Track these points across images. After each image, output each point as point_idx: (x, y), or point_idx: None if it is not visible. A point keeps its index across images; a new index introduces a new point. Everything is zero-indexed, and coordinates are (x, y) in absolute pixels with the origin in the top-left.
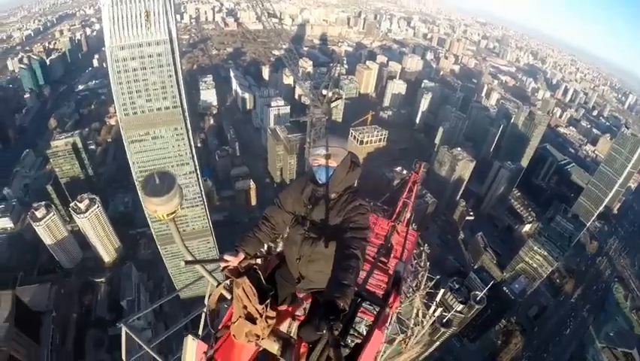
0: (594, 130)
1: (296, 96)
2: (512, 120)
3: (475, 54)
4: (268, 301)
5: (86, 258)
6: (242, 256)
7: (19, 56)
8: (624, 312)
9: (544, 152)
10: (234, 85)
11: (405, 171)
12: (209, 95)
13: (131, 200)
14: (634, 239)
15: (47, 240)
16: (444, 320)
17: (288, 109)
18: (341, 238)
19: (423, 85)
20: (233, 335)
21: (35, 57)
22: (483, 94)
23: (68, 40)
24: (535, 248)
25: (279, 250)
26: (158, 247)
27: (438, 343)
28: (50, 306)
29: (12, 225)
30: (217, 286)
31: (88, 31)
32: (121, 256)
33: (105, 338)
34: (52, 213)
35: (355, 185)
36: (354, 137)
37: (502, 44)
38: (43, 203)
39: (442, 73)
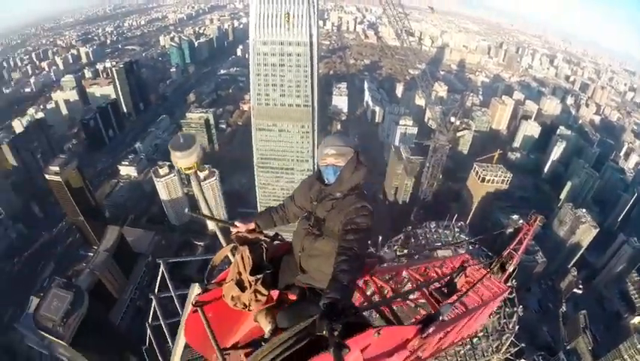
0: None
1: (425, 119)
2: None
3: (619, 106)
4: (260, 276)
5: (192, 221)
6: (252, 225)
7: (172, 34)
8: None
9: None
10: (367, 96)
11: (521, 221)
12: (340, 101)
13: (247, 181)
14: None
15: (163, 195)
16: None
17: (415, 130)
18: (342, 239)
19: (558, 131)
20: (223, 295)
21: (185, 38)
22: (622, 153)
23: (217, 28)
24: (639, 347)
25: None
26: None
27: None
28: (149, 251)
29: (136, 174)
30: (225, 247)
31: (235, 23)
32: (225, 229)
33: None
34: (173, 174)
35: (361, 184)
36: (477, 172)
37: None
38: (167, 163)
39: (580, 122)
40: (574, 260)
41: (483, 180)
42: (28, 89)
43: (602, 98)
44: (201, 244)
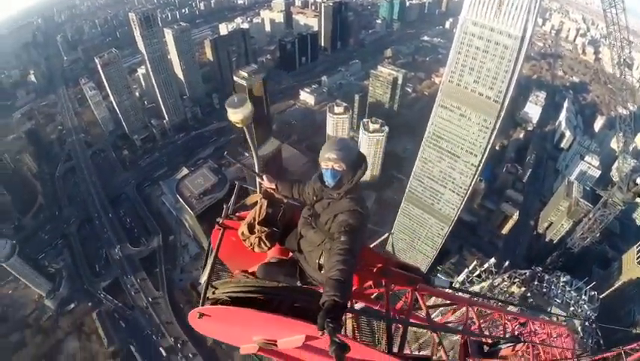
0: None
1: (613, 167)
2: None
3: None
4: (266, 230)
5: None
6: (273, 185)
7: None
8: None
9: None
10: (562, 116)
11: None
12: (533, 109)
13: (411, 149)
14: None
15: (330, 130)
16: None
17: (597, 173)
18: (337, 239)
19: None
20: (239, 228)
21: None
22: None
23: None
24: None
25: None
26: (404, 199)
27: None
28: (297, 172)
29: (313, 103)
30: (257, 194)
31: None
32: (371, 182)
33: None
34: (346, 115)
35: (359, 187)
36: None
37: None
38: (344, 104)
39: None
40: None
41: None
42: (240, 1)
43: None
44: None
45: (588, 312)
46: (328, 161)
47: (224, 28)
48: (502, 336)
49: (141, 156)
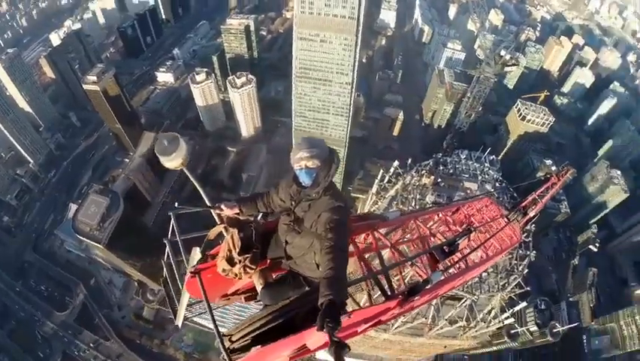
0: None
1: (475, 46)
2: None
3: None
4: (248, 255)
5: (226, 127)
6: (236, 210)
7: None
8: None
9: None
10: (417, 14)
11: (553, 168)
12: (388, 15)
13: (283, 89)
14: None
15: (199, 101)
16: (511, 331)
17: (462, 56)
18: (325, 238)
19: (611, 86)
20: (216, 264)
21: None
22: None
23: None
24: (637, 317)
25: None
26: (293, 139)
27: (494, 348)
28: None
29: (173, 81)
30: (218, 225)
31: None
32: (257, 134)
33: (216, 200)
34: (210, 80)
35: (334, 182)
36: (519, 110)
37: None
38: (204, 70)
39: (637, 82)
40: (596, 218)
41: (523, 118)
42: (64, 1)
43: None
44: (234, 150)
45: (494, 175)
46: (301, 160)
47: (55, 38)
48: (457, 234)
49: (23, 213)
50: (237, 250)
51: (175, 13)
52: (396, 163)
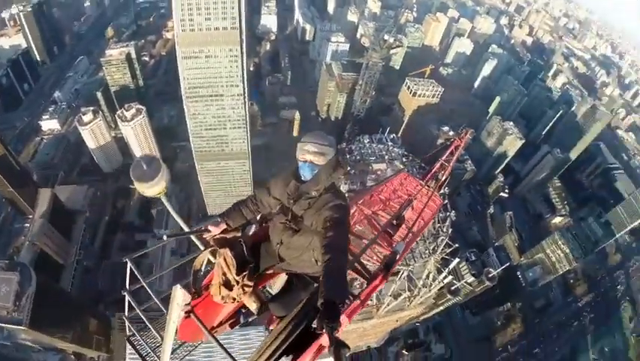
0: None
1: (357, 35)
2: (573, 109)
3: (551, 30)
4: (246, 273)
5: (125, 164)
6: (224, 226)
7: None
8: (624, 333)
9: (595, 150)
10: (297, 13)
11: (451, 133)
12: (269, 20)
13: (176, 114)
14: None
15: (91, 143)
16: (452, 288)
17: (347, 47)
18: (325, 236)
19: (490, 49)
20: (211, 294)
21: None
22: (550, 74)
23: None
24: (559, 243)
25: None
26: (195, 162)
27: (441, 308)
28: (85, 207)
29: (59, 127)
30: (204, 250)
31: None
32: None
33: (131, 243)
34: (98, 119)
35: (338, 185)
36: (408, 87)
37: (582, 27)
38: (91, 108)
39: (512, 42)
40: (500, 168)
41: (414, 94)
42: None
43: (536, 21)
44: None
45: (399, 152)
46: (307, 154)
47: None
48: (401, 206)
49: None
50: (234, 270)
51: (50, 53)
52: None
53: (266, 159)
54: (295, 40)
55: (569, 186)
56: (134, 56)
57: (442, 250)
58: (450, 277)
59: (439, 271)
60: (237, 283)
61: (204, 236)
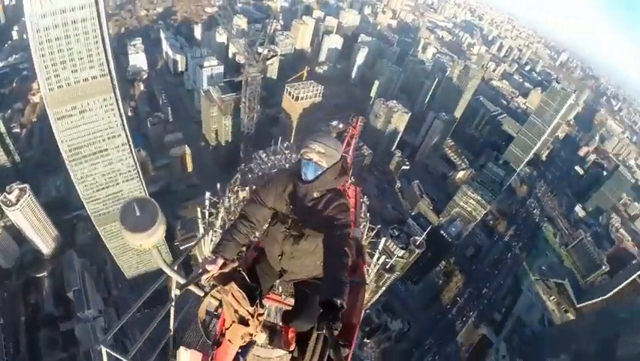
0: (526, 84)
1: (230, 55)
2: (447, 74)
3: (413, 9)
4: (257, 301)
5: (23, 253)
6: (221, 261)
7: None
8: (554, 248)
9: (477, 103)
10: (165, 47)
11: (341, 125)
12: (138, 59)
13: (62, 183)
14: (560, 183)
15: None
16: (387, 266)
17: (221, 69)
18: (328, 236)
19: (359, 39)
20: (229, 340)
21: None
22: (419, 48)
23: None
24: (469, 193)
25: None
26: (97, 228)
27: (383, 288)
28: None
29: None
30: (204, 297)
31: (5, 0)
32: (60, 244)
33: (58, 336)
34: None
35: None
36: (290, 93)
37: (440, 0)
38: None
39: (379, 28)
40: (395, 144)
41: (297, 98)
42: None
43: (397, 4)
44: (45, 274)
45: (297, 157)
46: (312, 152)
47: None
48: None
49: None
50: (246, 302)
51: None
52: (207, 194)
53: (168, 203)
54: (168, 73)
55: (462, 142)
56: (3, 129)
57: (367, 235)
58: (382, 257)
59: (371, 255)
60: (252, 315)
61: (203, 278)
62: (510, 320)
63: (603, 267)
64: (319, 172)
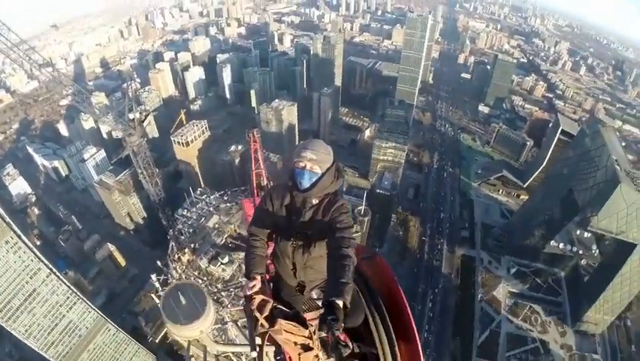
0: (385, 27)
1: (104, 135)
2: (312, 52)
3: (254, 9)
4: (312, 323)
5: None
6: (259, 278)
7: None
8: (479, 150)
9: (350, 65)
10: (38, 160)
11: (240, 147)
12: (19, 185)
13: (11, 348)
14: (455, 94)
15: None
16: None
17: (103, 153)
18: (331, 238)
19: (218, 60)
20: None
21: None
22: (276, 42)
23: None
24: (383, 145)
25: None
26: None
27: None
28: None
29: None
30: (260, 349)
31: None
32: None
33: None
34: None
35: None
36: (179, 142)
37: None
38: None
39: (231, 41)
40: (297, 138)
41: (187, 144)
42: None
43: (238, 12)
44: None
45: (215, 196)
46: (304, 160)
47: None
48: None
49: None
50: (301, 329)
51: None
52: (153, 277)
53: (121, 307)
54: (55, 184)
55: (355, 104)
56: None
57: None
58: None
59: None
60: (311, 338)
61: (243, 299)
62: (476, 228)
63: (528, 143)
64: (315, 179)
